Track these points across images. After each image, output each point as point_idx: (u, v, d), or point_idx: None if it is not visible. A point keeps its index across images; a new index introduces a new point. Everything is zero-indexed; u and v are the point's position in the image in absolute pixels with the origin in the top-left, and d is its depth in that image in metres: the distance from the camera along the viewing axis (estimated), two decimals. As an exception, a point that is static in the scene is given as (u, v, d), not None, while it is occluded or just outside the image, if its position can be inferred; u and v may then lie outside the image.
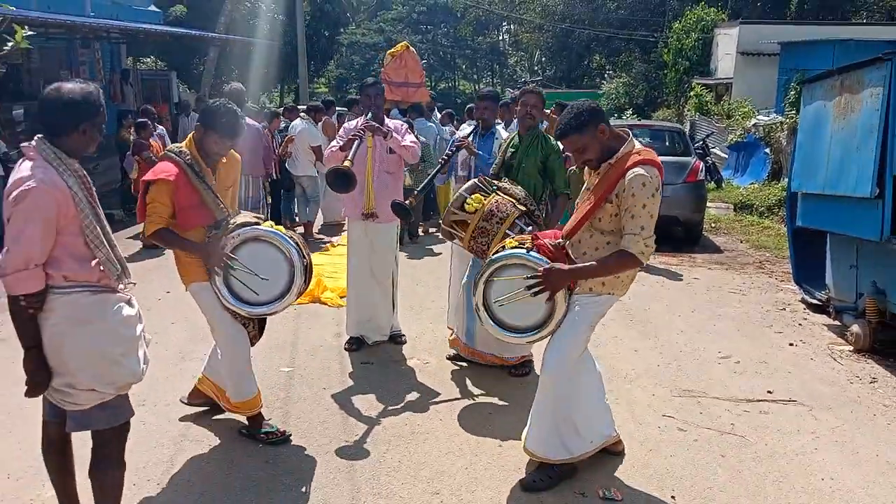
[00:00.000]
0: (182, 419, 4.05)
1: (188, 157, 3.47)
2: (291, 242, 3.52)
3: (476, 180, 4.30)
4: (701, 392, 4.57)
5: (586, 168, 3.42)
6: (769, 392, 4.57)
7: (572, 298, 3.33)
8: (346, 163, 4.55)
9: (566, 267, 3.24)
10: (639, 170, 3.06)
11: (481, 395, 4.50)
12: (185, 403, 4.11)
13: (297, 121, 9.52)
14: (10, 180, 2.49)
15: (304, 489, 3.38)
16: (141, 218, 3.55)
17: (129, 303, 2.76)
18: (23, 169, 2.50)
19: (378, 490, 3.38)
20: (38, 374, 2.56)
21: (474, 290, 3.45)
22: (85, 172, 2.65)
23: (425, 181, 5.13)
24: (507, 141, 4.78)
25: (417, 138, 5.68)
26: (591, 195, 3.25)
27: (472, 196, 4.12)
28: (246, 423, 3.87)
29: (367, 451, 3.76)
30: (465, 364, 4.94)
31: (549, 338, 3.39)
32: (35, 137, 2.56)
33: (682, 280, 7.48)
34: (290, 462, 3.63)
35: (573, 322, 3.32)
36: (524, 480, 3.43)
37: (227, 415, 4.02)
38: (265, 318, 3.87)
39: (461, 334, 4.89)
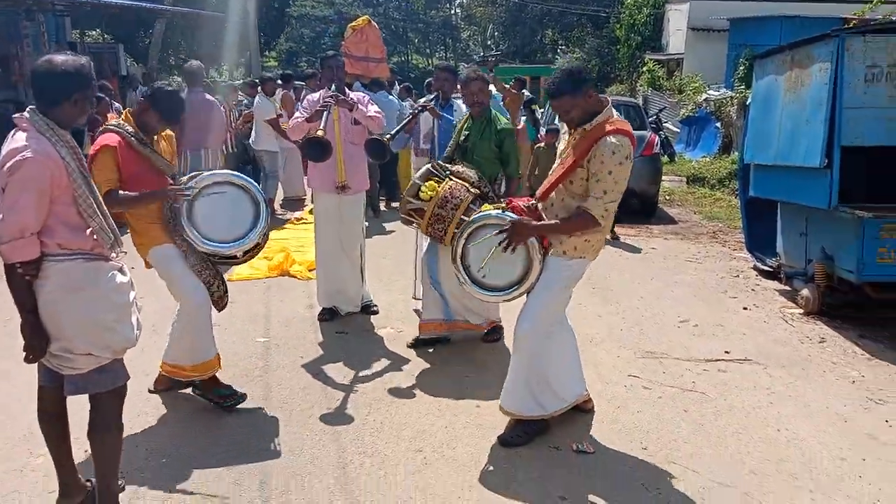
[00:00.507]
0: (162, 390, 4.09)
1: (128, 129, 3.58)
2: (252, 183, 3.73)
3: (429, 166, 4.40)
4: (663, 353, 4.81)
5: (560, 139, 3.57)
6: (726, 352, 4.83)
7: (547, 259, 3.49)
8: (319, 132, 4.61)
9: (532, 222, 3.42)
10: (611, 138, 3.20)
11: (456, 359, 4.64)
12: (152, 391, 4.07)
13: (257, 96, 9.44)
14: (4, 150, 2.53)
15: (291, 452, 3.48)
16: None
17: (121, 270, 2.81)
18: (17, 139, 2.54)
19: (363, 449, 3.51)
20: (36, 339, 2.61)
21: (452, 252, 3.59)
22: (76, 143, 2.68)
23: (396, 129, 5.21)
24: (461, 123, 4.79)
25: None
26: (566, 159, 3.39)
27: (426, 183, 4.25)
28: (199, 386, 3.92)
29: (349, 414, 3.88)
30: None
31: (525, 297, 3.55)
32: (27, 108, 2.60)
33: (640, 250, 7.73)
34: (274, 427, 3.72)
35: (547, 282, 3.49)
36: (501, 437, 3.60)
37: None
38: (225, 280, 3.93)
39: (434, 311, 4.78)
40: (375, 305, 5.49)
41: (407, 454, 3.49)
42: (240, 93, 10.62)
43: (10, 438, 3.53)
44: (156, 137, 3.73)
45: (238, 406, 3.87)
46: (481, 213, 3.58)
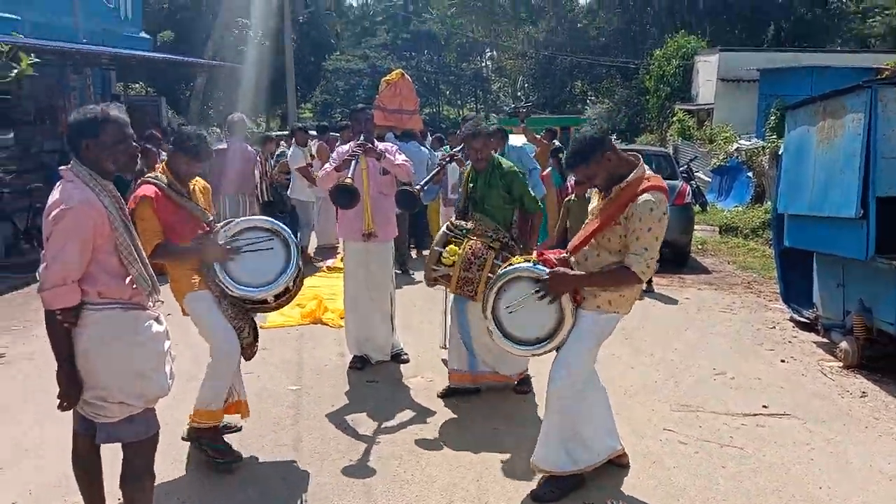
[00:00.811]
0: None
1: (164, 181, 3.68)
2: (284, 227, 3.78)
3: (445, 229, 4.42)
4: (699, 407, 4.71)
5: (592, 194, 3.60)
6: (764, 406, 4.72)
7: (578, 313, 3.47)
8: (348, 180, 4.70)
9: (570, 272, 3.42)
10: (648, 196, 3.22)
11: (486, 411, 4.60)
12: (185, 439, 4.01)
13: (292, 147, 9.64)
14: (50, 200, 2.62)
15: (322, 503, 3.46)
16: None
17: (157, 320, 2.86)
18: (62, 190, 2.63)
19: (393, 503, 3.48)
20: (71, 387, 2.66)
21: (483, 305, 3.59)
22: (118, 193, 2.77)
23: (425, 180, 5.23)
24: (466, 175, 4.78)
25: None
26: (599, 215, 3.41)
27: (447, 249, 4.27)
28: (191, 429, 3.86)
29: (380, 466, 3.85)
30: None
31: (555, 352, 3.54)
32: (72, 161, 2.71)
33: (673, 300, 7.65)
34: (305, 478, 3.71)
35: (579, 337, 3.46)
36: (534, 492, 3.54)
37: (237, 434, 4.11)
38: (258, 328, 3.95)
39: (459, 363, 4.76)
40: (406, 354, 5.48)
41: (437, 508, 3.45)
42: (282, 143, 10.86)
43: (44, 483, 3.57)
44: (192, 188, 3.82)
45: (232, 464, 3.78)
46: (512, 266, 3.57)
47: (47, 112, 14.36)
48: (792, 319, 6.78)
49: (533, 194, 4.72)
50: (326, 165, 5.12)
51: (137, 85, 22.27)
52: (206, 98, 20.35)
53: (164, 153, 9.86)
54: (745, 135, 16.48)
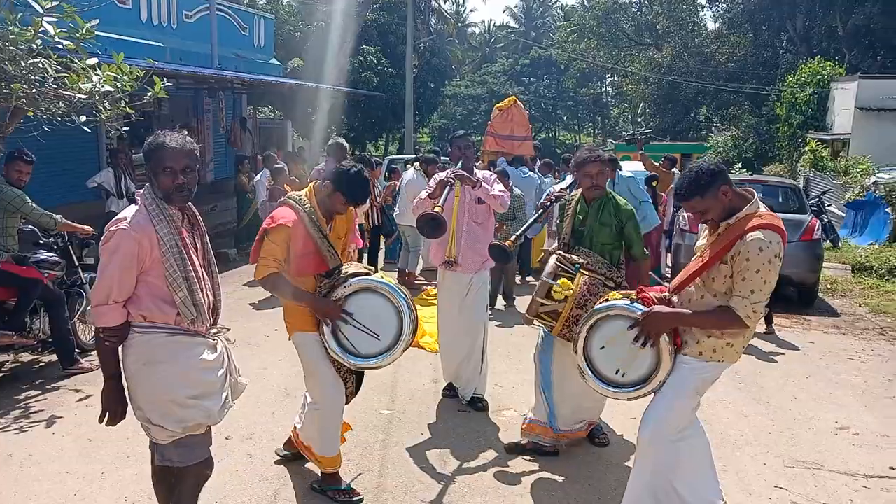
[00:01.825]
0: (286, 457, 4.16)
1: (307, 206, 3.52)
2: (402, 295, 3.49)
3: (555, 260, 4.05)
4: (816, 463, 4.32)
5: (699, 233, 3.38)
6: (891, 468, 4.26)
7: (678, 358, 3.25)
8: (437, 208, 4.55)
9: (666, 310, 3.20)
10: (758, 234, 2.98)
11: (575, 451, 4.40)
12: (282, 456, 4.08)
13: (409, 171, 9.71)
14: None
15: (401, 533, 3.41)
16: (253, 259, 3.54)
17: (212, 347, 2.84)
18: (125, 210, 2.73)
19: (474, 541, 3.37)
20: (113, 405, 2.74)
21: (574, 342, 3.42)
22: (189, 216, 2.84)
23: (525, 226, 4.92)
24: (573, 206, 4.35)
25: (511, 190, 5.63)
26: (706, 252, 3.19)
27: (559, 282, 3.89)
28: (320, 477, 3.80)
29: (466, 497, 3.76)
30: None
31: (651, 396, 3.32)
32: (146, 185, 2.79)
33: (795, 344, 7.11)
34: (392, 501, 3.68)
35: (677, 384, 3.23)
36: (623, 543, 3.33)
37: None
38: (363, 374, 3.84)
39: (538, 413, 4.38)
40: (484, 401, 5.08)
41: (520, 550, 3.31)
42: (408, 165, 10.95)
43: (141, 492, 3.70)
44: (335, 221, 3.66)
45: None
46: (609, 303, 3.38)
47: (175, 129, 15.40)
48: (931, 372, 6.13)
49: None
50: (422, 193, 4.95)
51: (267, 108, 23.48)
52: (330, 121, 21.15)
53: (276, 165, 10.30)
54: (884, 167, 15.28)
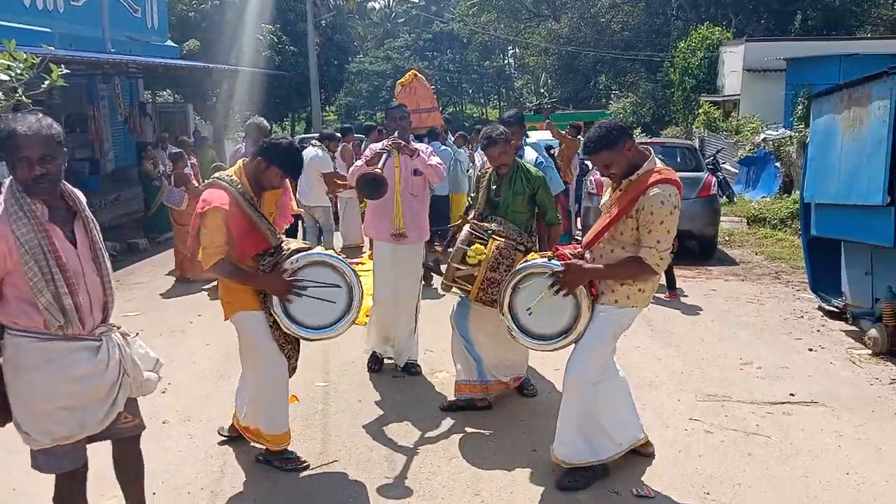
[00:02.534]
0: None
1: (238, 186, 3.47)
2: (348, 266, 3.60)
3: (468, 228, 4.24)
4: (725, 396, 4.71)
5: (606, 183, 3.62)
6: (791, 395, 4.70)
7: (596, 308, 3.49)
8: (377, 170, 4.53)
9: (585, 265, 3.44)
10: (658, 188, 3.24)
11: (509, 403, 4.63)
12: (226, 437, 4.06)
13: (310, 149, 9.05)
14: None
15: (349, 496, 3.54)
16: (191, 248, 3.52)
17: (94, 350, 2.63)
18: None
19: (421, 493, 3.54)
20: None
21: (500, 300, 3.62)
22: (70, 205, 2.63)
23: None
24: (486, 176, 4.53)
25: None
26: (611, 209, 3.43)
27: (472, 247, 4.09)
28: (264, 449, 3.81)
29: (405, 457, 3.92)
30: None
31: (572, 345, 3.56)
32: (10, 178, 2.53)
33: (699, 292, 7.61)
34: (333, 465, 3.80)
35: (597, 331, 3.48)
36: (558, 481, 3.57)
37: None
38: (299, 349, 3.86)
39: (467, 373, 4.52)
40: (418, 367, 5.23)
41: (464, 497, 3.50)
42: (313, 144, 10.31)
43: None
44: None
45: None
46: (528, 262, 3.62)
47: (77, 120, 14.69)
48: (820, 308, 6.71)
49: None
50: (357, 162, 4.95)
51: (165, 92, 22.62)
52: (232, 103, 20.59)
53: (192, 158, 10.01)
54: (772, 125, 16.27)
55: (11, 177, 2.50)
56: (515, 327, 3.59)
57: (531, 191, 4.40)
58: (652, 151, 3.42)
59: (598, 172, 11.15)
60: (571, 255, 3.60)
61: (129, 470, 2.96)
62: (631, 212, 3.31)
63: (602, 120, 3.48)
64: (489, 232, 4.18)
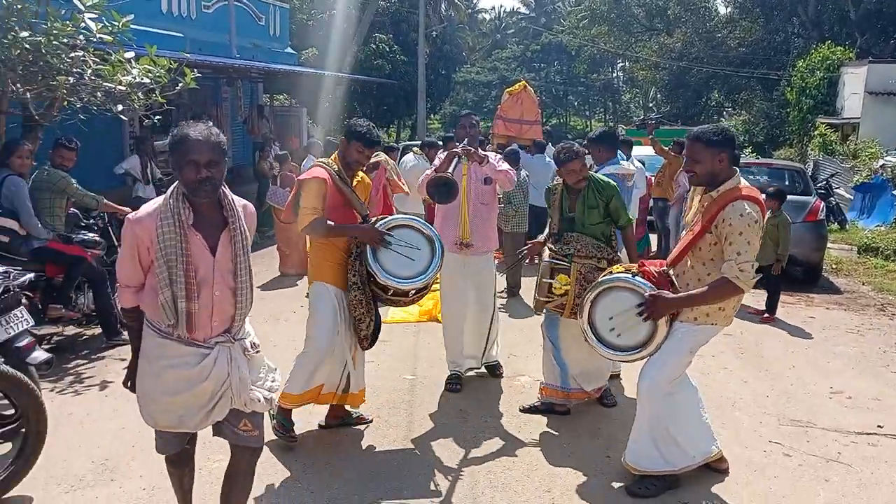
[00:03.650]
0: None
1: (334, 167, 4.03)
2: (432, 228, 4.08)
3: (548, 259, 4.41)
4: (809, 423, 4.65)
5: (690, 201, 3.70)
6: (879, 426, 4.59)
7: (675, 324, 3.57)
8: (448, 174, 4.51)
9: (671, 295, 3.52)
10: (738, 202, 3.33)
11: (589, 409, 4.76)
12: (323, 426, 4.34)
13: (409, 156, 9.51)
14: None
15: (430, 480, 3.79)
16: (287, 215, 4.05)
17: (200, 356, 2.71)
18: (150, 203, 2.74)
19: (494, 483, 3.75)
20: (128, 377, 2.87)
21: (580, 309, 3.76)
22: (226, 214, 2.70)
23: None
24: (559, 195, 4.60)
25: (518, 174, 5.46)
26: (694, 226, 3.52)
27: (556, 279, 4.30)
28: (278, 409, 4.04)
29: (483, 450, 4.13)
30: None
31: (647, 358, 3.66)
32: None
33: (798, 318, 7.42)
34: (414, 452, 4.06)
35: (674, 346, 3.56)
36: (629, 487, 3.69)
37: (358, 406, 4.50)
38: (379, 328, 4.20)
39: (552, 377, 4.67)
40: (501, 367, 5.34)
41: (536, 493, 3.67)
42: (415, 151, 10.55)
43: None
44: (355, 183, 4.10)
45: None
46: (613, 275, 3.72)
47: (202, 120, 15.73)
48: (925, 343, 6.44)
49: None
50: (427, 171, 4.91)
51: (282, 96, 23.81)
52: (343, 109, 21.51)
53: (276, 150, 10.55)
54: (892, 151, 15.47)
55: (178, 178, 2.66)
56: (594, 336, 3.72)
57: (605, 201, 4.50)
58: (737, 171, 3.48)
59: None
60: (656, 272, 3.70)
61: (238, 482, 2.97)
62: (711, 227, 3.39)
63: (720, 123, 3.55)
64: (569, 257, 4.34)
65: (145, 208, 2.66)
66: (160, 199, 2.67)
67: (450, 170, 4.58)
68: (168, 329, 2.67)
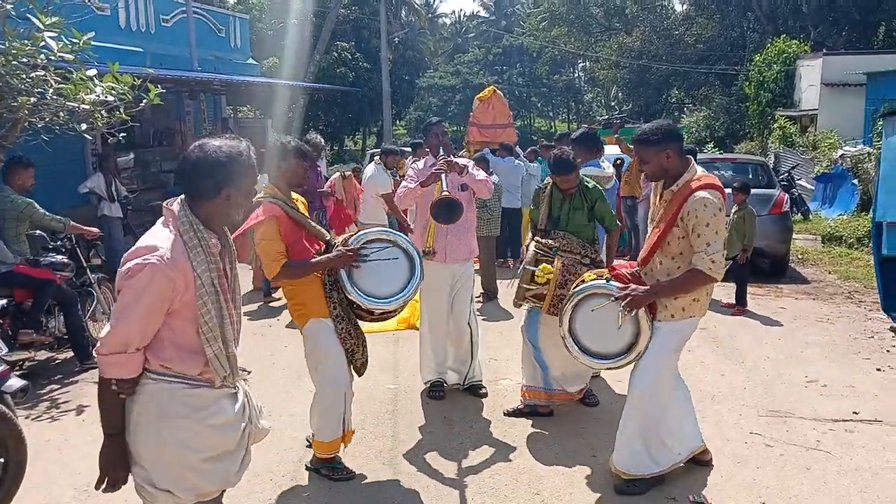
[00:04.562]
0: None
1: (278, 196, 3.65)
2: (409, 241, 3.74)
3: (534, 248, 4.44)
4: (787, 412, 4.74)
5: (653, 198, 3.74)
6: (855, 413, 4.70)
7: (655, 325, 3.60)
8: (444, 193, 4.49)
9: (642, 288, 3.54)
10: (700, 193, 3.36)
11: (572, 410, 4.79)
12: (308, 469, 4.00)
13: (370, 166, 8.96)
14: (135, 246, 2.21)
15: (418, 489, 3.78)
16: (242, 259, 3.34)
17: (234, 397, 2.42)
18: (150, 237, 2.24)
19: (483, 490, 3.75)
20: (116, 469, 2.27)
21: (560, 321, 3.76)
22: (225, 245, 2.38)
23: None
24: (548, 193, 4.70)
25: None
26: (659, 224, 3.56)
27: (539, 267, 4.32)
28: (315, 458, 3.90)
29: (471, 456, 4.14)
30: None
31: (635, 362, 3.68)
32: (178, 199, 2.31)
33: (768, 310, 7.56)
34: (402, 462, 4.05)
35: (658, 346, 3.60)
36: (617, 486, 3.71)
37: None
38: (366, 346, 3.94)
39: (534, 379, 4.70)
40: (484, 388, 5.13)
41: (526, 496, 3.69)
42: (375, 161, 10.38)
43: None
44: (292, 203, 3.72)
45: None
46: (587, 284, 3.74)
47: (165, 135, 15.57)
48: (892, 329, 6.60)
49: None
50: (406, 182, 4.88)
51: (245, 108, 23.62)
52: (308, 118, 21.40)
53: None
54: (850, 141, 15.85)
55: (181, 202, 2.29)
56: (577, 348, 3.71)
57: (590, 204, 4.62)
58: (693, 161, 3.52)
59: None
60: (628, 273, 3.74)
61: None
62: (676, 220, 3.42)
63: (660, 120, 3.58)
64: (554, 250, 4.39)
65: (165, 249, 2.17)
66: (163, 231, 2.24)
67: (444, 186, 4.55)
68: (206, 378, 2.30)
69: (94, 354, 2.20)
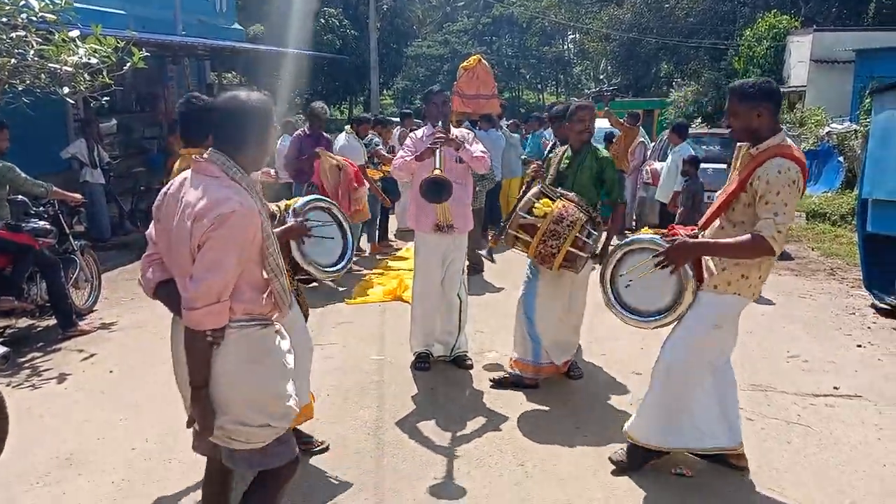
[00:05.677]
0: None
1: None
2: (333, 203, 3.73)
3: (540, 186, 4.40)
4: (769, 387, 4.80)
5: (735, 161, 3.45)
6: (835, 388, 4.76)
7: (699, 294, 3.36)
8: (436, 171, 4.45)
9: (691, 241, 3.31)
10: (777, 159, 3.09)
11: (557, 384, 4.82)
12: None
13: (341, 135, 8.94)
14: (198, 199, 2.23)
15: (403, 459, 3.80)
16: None
17: (281, 333, 2.56)
18: (210, 188, 2.26)
19: (469, 459, 3.77)
20: (208, 418, 2.34)
21: (601, 272, 3.58)
22: (259, 192, 2.44)
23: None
24: (560, 154, 4.79)
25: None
26: (728, 186, 3.33)
27: (541, 201, 4.26)
28: None
29: (456, 427, 4.16)
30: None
31: (671, 327, 3.48)
32: (209, 151, 2.35)
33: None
34: (387, 432, 4.06)
35: (697, 316, 3.37)
36: (614, 458, 3.67)
37: (329, 397, 4.48)
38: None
39: (524, 352, 4.73)
40: (470, 360, 5.15)
41: (510, 467, 3.71)
42: (370, 132, 9.90)
43: (160, 433, 4.02)
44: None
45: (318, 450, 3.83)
46: (637, 236, 3.61)
47: (147, 100, 15.30)
48: (873, 306, 6.68)
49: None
50: (402, 153, 4.85)
51: (230, 74, 23.27)
52: (293, 85, 21.11)
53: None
54: (837, 118, 15.88)
55: (219, 153, 2.33)
56: (615, 300, 3.55)
57: (599, 168, 4.61)
58: (782, 129, 3.26)
59: (654, 162, 11.18)
60: (686, 235, 3.49)
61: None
62: (746, 185, 3.17)
63: (763, 78, 3.30)
64: (558, 193, 4.38)
65: (237, 196, 2.25)
66: (218, 182, 2.27)
67: (438, 163, 4.50)
68: (269, 314, 2.43)
69: (185, 310, 2.23)
